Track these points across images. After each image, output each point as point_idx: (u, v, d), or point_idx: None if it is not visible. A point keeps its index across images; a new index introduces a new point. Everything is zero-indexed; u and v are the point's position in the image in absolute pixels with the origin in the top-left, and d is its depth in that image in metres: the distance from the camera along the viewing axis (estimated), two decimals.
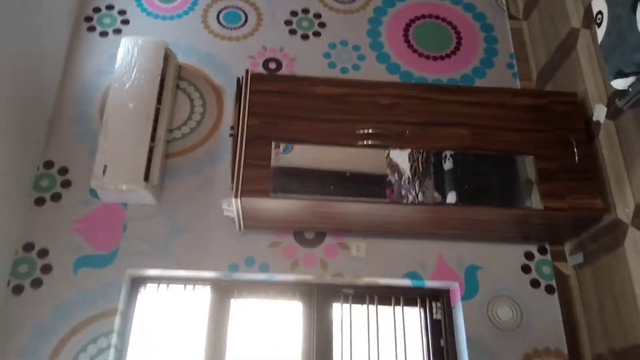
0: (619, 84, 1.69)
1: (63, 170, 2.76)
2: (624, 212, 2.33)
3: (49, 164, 2.77)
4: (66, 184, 2.73)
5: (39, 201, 2.68)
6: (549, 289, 2.70)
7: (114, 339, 2.44)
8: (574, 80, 2.76)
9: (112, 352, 2.42)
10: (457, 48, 3.33)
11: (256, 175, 2.34)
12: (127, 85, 2.77)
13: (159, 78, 2.81)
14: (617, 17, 1.62)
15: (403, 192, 2.48)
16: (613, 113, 2.43)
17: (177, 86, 3.04)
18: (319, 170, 2.42)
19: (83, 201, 2.70)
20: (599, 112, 2.51)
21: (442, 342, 2.68)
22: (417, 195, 2.48)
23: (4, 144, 2.47)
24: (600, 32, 1.76)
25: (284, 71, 3.14)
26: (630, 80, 1.63)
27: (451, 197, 2.46)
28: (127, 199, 2.67)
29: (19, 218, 2.60)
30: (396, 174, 2.48)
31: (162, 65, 2.84)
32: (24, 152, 2.65)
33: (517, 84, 3.21)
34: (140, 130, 2.68)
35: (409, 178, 2.50)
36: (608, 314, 2.41)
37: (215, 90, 3.05)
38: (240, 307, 2.68)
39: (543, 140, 2.57)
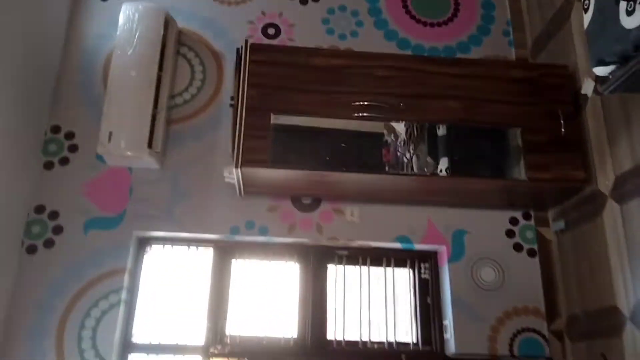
0: (600, 71, 1.78)
1: (70, 135, 2.87)
2: (604, 184, 2.47)
3: (56, 129, 2.87)
4: (73, 148, 2.84)
5: (48, 165, 2.80)
6: (531, 253, 2.87)
7: (123, 295, 2.62)
8: (566, 52, 2.82)
9: (122, 307, 2.61)
10: (454, 14, 3.36)
11: (256, 145, 2.46)
12: (129, 52, 2.83)
13: (160, 45, 2.87)
14: (602, 7, 1.69)
15: (399, 153, 2.61)
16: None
17: (178, 52, 3.10)
18: (316, 142, 2.54)
19: (90, 165, 2.82)
20: (587, 86, 2.60)
21: (429, 300, 2.88)
22: (411, 158, 2.61)
23: (12, 109, 2.56)
24: (587, 18, 1.83)
25: (282, 37, 3.18)
26: (610, 68, 1.72)
27: (443, 163, 2.59)
28: (132, 163, 2.79)
29: (30, 181, 2.73)
30: (392, 135, 2.60)
31: (162, 33, 2.89)
32: (32, 117, 2.75)
33: (512, 53, 3.27)
34: (143, 98, 2.77)
35: (404, 140, 2.62)
36: (584, 278, 2.59)
37: (215, 56, 3.11)
38: (241, 267, 2.86)
39: (532, 113, 2.66)
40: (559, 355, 2.69)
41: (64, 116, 2.90)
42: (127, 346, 2.64)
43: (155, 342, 2.68)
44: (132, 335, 2.67)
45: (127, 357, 2.63)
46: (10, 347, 2.47)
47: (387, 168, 2.56)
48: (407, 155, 2.63)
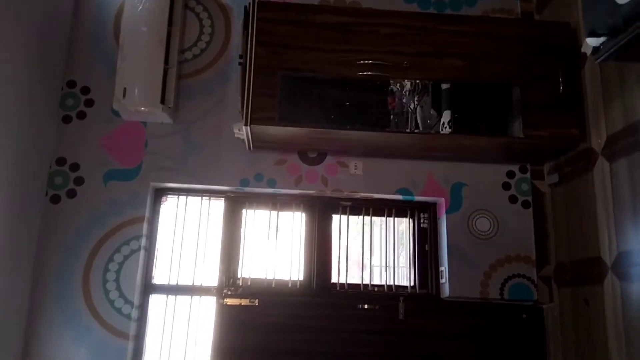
0: (592, 41, 1.85)
1: (85, 90, 2.98)
2: (596, 142, 2.58)
3: (71, 84, 2.98)
4: (89, 102, 2.97)
5: (66, 119, 2.94)
6: (525, 204, 3.03)
7: (143, 241, 2.83)
8: (570, 7, 2.85)
9: (142, 253, 2.82)
10: None
11: (264, 104, 2.57)
12: (139, 8, 2.89)
13: None
14: None
15: (404, 102, 2.73)
16: None
17: (186, 6, 3.14)
18: (322, 98, 2.65)
19: (106, 119, 2.95)
20: (588, 45, 2.65)
21: (427, 248, 3.08)
22: (415, 108, 2.73)
23: (29, 65, 2.66)
24: None
25: None
26: (601, 39, 1.80)
27: (446, 116, 2.71)
28: (147, 118, 2.92)
29: (50, 135, 2.87)
30: (398, 85, 2.70)
31: None
32: (48, 72, 2.85)
33: (518, 6, 3.28)
34: (155, 54, 2.85)
35: (409, 91, 2.73)
36: (573, 229, 2.76)
37: (222, 10, 3.16)
38: (251, 216, 3.05)
39: (532, 71, 2.73)
40: (546, 299, 2.91)
41: (78, 71, 3.00)
42: (148, 287, 2.88)
43: (173, 283, 2.92)
44: (153, 277, 2.91)
45: (148, 297, 2.88)
46: (40, 288, 2.71)
47: (392, 116, 2.68)
48: (412, 106, 2.74)
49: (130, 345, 2.70)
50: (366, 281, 3.01)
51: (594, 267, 2.53)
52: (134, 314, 2.73)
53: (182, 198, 3.04)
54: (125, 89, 2.80)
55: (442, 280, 2.94)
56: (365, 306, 2.89)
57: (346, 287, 2.98)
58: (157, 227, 2.97)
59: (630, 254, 2.29)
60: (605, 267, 2.45)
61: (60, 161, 2.88)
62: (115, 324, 2.69)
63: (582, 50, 2.70)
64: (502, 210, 3.01)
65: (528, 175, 3.07)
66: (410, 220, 3.13)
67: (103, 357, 2.65)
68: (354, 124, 2.62)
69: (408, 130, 2.66)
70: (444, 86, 2.76)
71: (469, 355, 2.86)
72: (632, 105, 2.32)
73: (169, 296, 2.90)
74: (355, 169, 2.98)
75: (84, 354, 2.65)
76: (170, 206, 3.03)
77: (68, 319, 2.68)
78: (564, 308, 2.79)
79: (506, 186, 3.04)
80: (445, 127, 2.72)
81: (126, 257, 2.80)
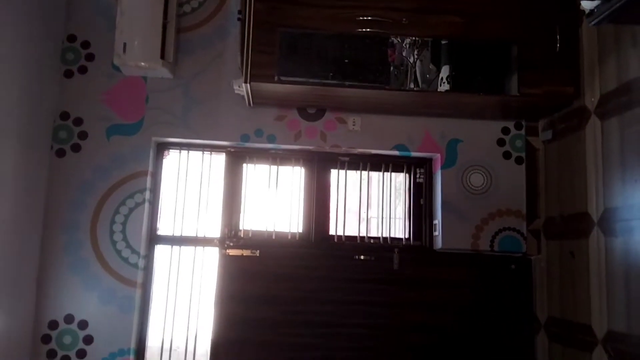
0: (587, 4, 1.87)
1: (85, 44, 2.99)
2: (590, 100, 2.63)
3: (72, 38, 2.99)
4: (90, 57, 2.99)
5: (68, 73, 2.97)
6: (519, 160, 3.11)
7: (147, 195, 2.93)
8: None
9: (146, 205, 2.92)
10: None
11: (263, 61, 2.60)
12: None
13: None
14: None
15: (404, 54, 2.77)
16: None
17: None
18: (321, 55, 2.67)
19: (107, 74, 2.98)
20: (587, 2, 2.65)
21: (422, 202, 3.18)
22: (414, 62, 2.76)
23: (29, 18, 2.66)
24: None
25: None
26: (596, 2, 1.82)
27: (445, 71, 2.75)
28: (147, 73, 2.95)
29: (52, 89, 2.91)
30: (398, 37, 2.72)
31: None
32: (49, 25, 2.86)
33: None
34: (154, 8, 2.85)
35: (409, 44, 2.75)
36: (563, 185, 2.85)
37: None
38: (251, 170, 3.13)
39: (530, 28, 2.74)
40: (534, 251, 3.04)
41: (78, 25, 3.00)
42: (154, 238, 3.00)
43: (177, 235, 3.04)
44: (157, 229, 3.02)
45: (154, 247, 3.00)
46: (50, 238, 2.83)
47: (392, 69, 2.72)
48: (411, 59, 2.77)
49: (137, 292, 2.85)
50: (363, 234, 3.13)
51: (581, 222, 2.64)
52: (141, 263, 2.86)
53: (184, 152, 3.11)
54: (125, 44, 2.81)
55: (436, 233, 3.06)
56: (362, 257, 3.03)
57: (344, 239, 3.10)
58: (160, 180, 3.06)
59: (616, 210, 2.38)
60: (591, 222, 2.55)
61: (64, 115, 2.94)
62: (123, 273, 2.83)
63: (582, 7, 2.69)
64: (495, 166, 3.09)
65: (523, 131, 3.13)
66: (407, 175, 3.22)
67: (112, 303, 2.80)
68: (353, 81, 2.66)
69: (406, 88, 2.70)
70: (444, 41, 2.78)
71: (460, 303, 3.03)
72: (626, 65, 2.36)
73: (174, 247, 3.03)
74: (354, 125, 3.03)
75: (94, 299, 2.80)
76: (172, 160, 3.11)
77: (77, 267, 2.81)
78: (551, 260, 2.92)
79: (501, 142, 3.11)
80: (444, 83, 2.76)
81: (131, 210, 2.90)
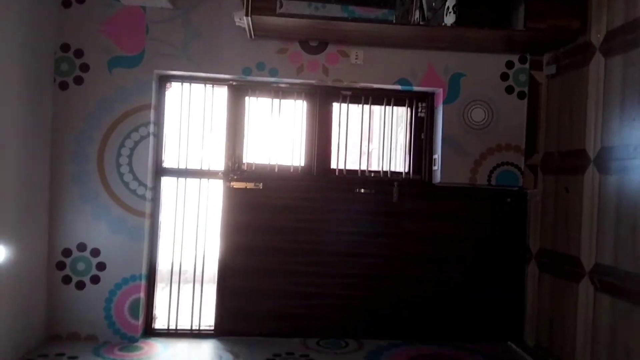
0: None
1: None
2: (596, 37, 2.59)
3: None
4: None
5: (66, 3, 2.91)
6: (521, 95, 3.11)
7: (151, 128, 2.97)
8: None
9: (151, 138, 2.97)
10: None
11: None
12: None
13: None
14: None
15: None
16: None
17: None
18: None
19: (106, 3, 2.92)
20: None
21: (423, 136, 3.22)
22: None
23: None
24: None
25: None
26: None
27: (451, 0, 2.69)
28: (145, 2, 2.89)
29: (52, 20, 2.87)
30: None
31: None
32: None
33: None
34: None
35: None
36: (564, 121, 2.87)
37: None
38: (254, 104, 3.14)
39: None
40: (530, 185, 3.11)
41: None
42: (159, 170, 3.08)
43: (182, 167, 3.11)
44: (163, 161, 3.09)
45: (159, 179, 3.08)
46: (59, 169, 2.90)
47: None
48: None
49: (146, 222, 2.96)
50: (364, 167, 3.19)
51: (578, 159, 2.68)
52: (148, 194, 2.96)
53: (186, 85, 3.11)
54: None
55: (435, 167, 3.12)
56: (362, 190, 3.11)
57: (345, 172, 3.17)
58: (163, 114, 3.08)
59: (612, 149, 2.42)
60: (588, 159, 2.60)
61: (65, 47, 2.91)
62: (131, 204, 2.93)
63: None
64: (497, 101, 3.09)
65: (527, 65, 3.10)
66: (408, 109, 3.23)
67: (122, 232, 2.92)
68: (355, 14, 2.61)
69: (411, 19, 2.66)
70: None
71: (456, 235, 3.15)
72: (633, 1, 2.30)
73: (179, 179, 3.11)
74: (356, 58, 3.01)
75: (105, 228, 2.92)
76: (175, 93, 3.11)
77: (87, 197, 2.91)
78: (546, 194, 3.00)
79: (504, 77, 3.10)
80: (450, 13, 2.71)
81: (136, 143, 2.95)
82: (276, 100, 3.14)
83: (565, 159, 2.82)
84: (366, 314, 3.13)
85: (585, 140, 2.64)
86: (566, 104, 2.85)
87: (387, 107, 3.20)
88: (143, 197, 2.94)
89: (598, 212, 2.51)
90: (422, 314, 3.15)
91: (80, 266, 2.91)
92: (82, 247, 2.91)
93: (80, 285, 2.91)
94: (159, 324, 3.11)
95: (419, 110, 3.21)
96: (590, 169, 2.59)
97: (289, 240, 3.07)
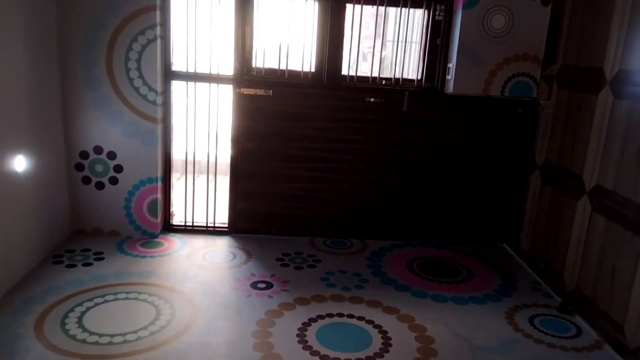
0: None
1: None
2: None
3: None
4: None
5: None
6: (546, 1, 2.92)
7: (158, 30, 2.88)
8: None
9: (158, 41, 2.90)
10: None
11: None
12: None
13: None
14: None
15: None
16: None
17: None
18: None
19: None
20: None
21: (439, 42, 3.10)
22: None
23: None
24: None
25: None
26: None
27: None
28: None
29: None
30: None
31: None
32: None
33: None
34: None
35: None
36: (585, 34, 2.73)
37: None
38: (263, 6, 2.99)
39: None
40: (544, 97, 3.06)
41: None
42: (169, 74, 3.06)
43: (191, 71, 3.07)
44: (172, 64, 3.05)
45: (169, 83, 3.08)
46: (69, 75, 2.90)
47: None
48: None
49: (159, 127, 3.02)
50: (375, 74, 3.13)
51: (594, 77, 2.61)
52: (159, 100, 2.97)
53: None
54: None
55: (448, 77, 3.05)
56: (372, 99, 3.09)
57: (355, 79, 3.12)
58: (169, 15, 2.97)
59: (631, 73, 2.35)
60: (604, 80, 2.54)
61: None
62: (143, 109, 2.96)
63: None
64: (520, 6, 2.92)
65: None
66: (426, 11, 3.07)
67: (137, 136, 3.00)
68: None
69: None
70: None
71: (464, 144, 3.19)
72: None
73: (189, 83, 3.09)
74: None
75: (119, 133, 2.99)
76: None
77: (99, 103, 2.94)
78: (558, 108, 2.97)
79: None
80: None
81: (144, 46, 2.90)
82: (286, 1, 2.99)
83: (582, 75, 2.74)
84: (371, 217, 3.30)
85: (604, 59, 2.54)
86: (591, 16, 2.69)
87: (404, 8, 3.04)
88: (154, 102, 2.96)
89: (606, 135, 2.51)
90: (425, 219, 3.32)
91: (99, 168, 3.03)
92: (98, 149, 3.01)
93: (100, 186, 3.06)
94: (177, 220, 3.31)
95: (437, 13, 3.06)
96: (605, 90, 2.53)
97: (297, 147, 3.14)
